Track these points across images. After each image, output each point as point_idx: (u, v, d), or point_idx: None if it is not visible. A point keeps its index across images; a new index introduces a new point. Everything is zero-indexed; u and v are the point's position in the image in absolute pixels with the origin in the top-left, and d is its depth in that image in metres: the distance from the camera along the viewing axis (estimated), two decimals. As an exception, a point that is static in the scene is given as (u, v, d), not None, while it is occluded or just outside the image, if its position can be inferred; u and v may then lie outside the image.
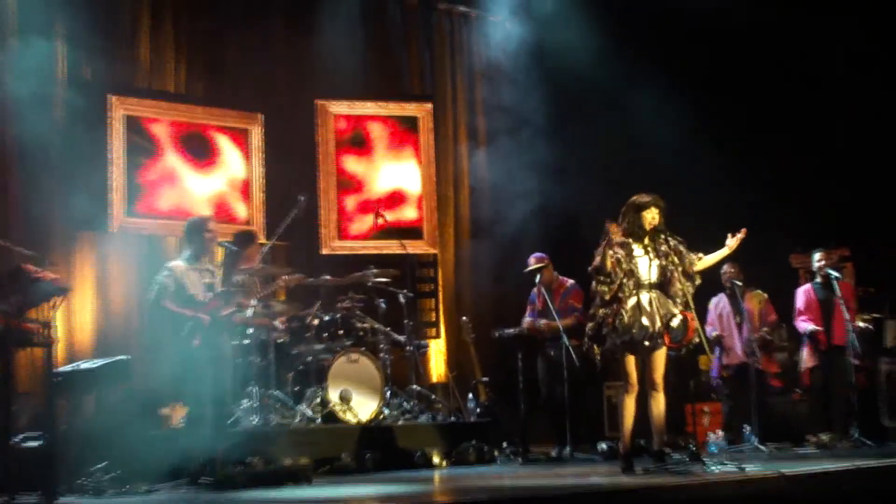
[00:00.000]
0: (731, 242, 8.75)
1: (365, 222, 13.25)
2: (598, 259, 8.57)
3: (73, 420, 9.48)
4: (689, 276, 8.65)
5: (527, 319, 11.36)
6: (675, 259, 8.58)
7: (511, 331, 11.45)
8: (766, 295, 11.68)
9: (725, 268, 11.12)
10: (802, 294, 11.58)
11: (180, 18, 12.46)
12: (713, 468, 8.36)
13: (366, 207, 13.32)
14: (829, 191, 13.04)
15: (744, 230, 8.72)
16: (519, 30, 14.55)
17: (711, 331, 10.93)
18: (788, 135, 13.29)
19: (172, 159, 12.27)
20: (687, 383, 10.06)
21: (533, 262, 11.19)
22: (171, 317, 8.83)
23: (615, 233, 8.56)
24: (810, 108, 13.37)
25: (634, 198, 8.64)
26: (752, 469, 8.39)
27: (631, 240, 8.55)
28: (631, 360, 8.55)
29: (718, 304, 11.30)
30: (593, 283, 8.66)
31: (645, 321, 8.39)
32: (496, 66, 14.76)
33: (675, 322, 8.41)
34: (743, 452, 10.34)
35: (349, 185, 13.50)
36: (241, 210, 12.64)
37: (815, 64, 13.44)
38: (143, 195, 11.99)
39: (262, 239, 12.11)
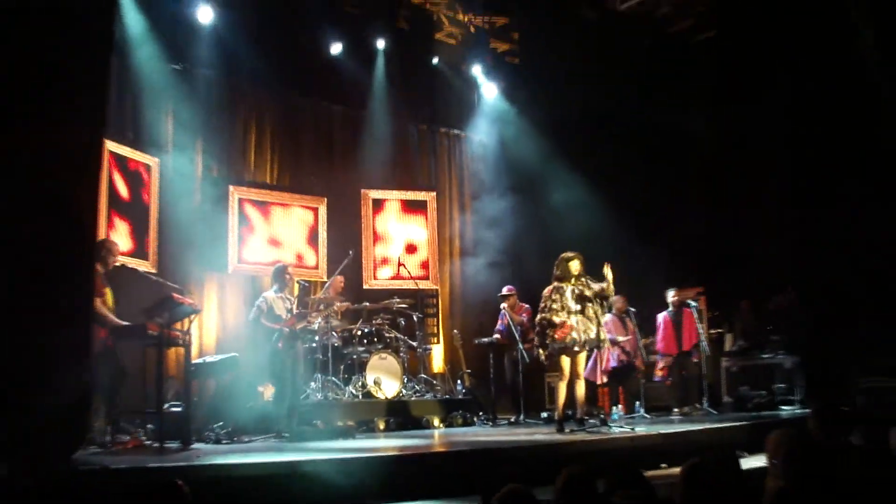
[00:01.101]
0: (607, 271, 8.76)
1: (392, 268, 13.29)
2: (544, 301, 8.88)
3: (201, 394, 9.68)
4: (604, 298, 8.91)
5: (497, 335, 11.47)
6: (591, 294, 8.80)
7: (486, 340, 11.57)
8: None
9: (618, 299, 11.13)
10: (662, 319, 11.63)
11: (275, 134, 12.55)
12: (615, 429, 8.59)
13: (392, 258, 13.31)
14: (692, 248, 13.05)
15: (608, 263, 8.81)
16: (491, 143, 14.65)
17: (612, 336, 10.87)
18: (667, 209, 13.30)
19: (268, 225, 12.36)
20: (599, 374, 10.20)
21: (505, 291, 11.36)
22: (264, 329, 9.10)
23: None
24: (679, 193, 13.44)
25: (564, 254, 8.91)
26: (640, 429, 8.68)
27: (563, 283, 8.82)
28: (564, 359, 8.78)
29: (612, 320, 11.09)
30: (541, 311, 8.91)
31: (574, 335, 8.69)
32: (476, 166, 14.80)
33: (591, 333, 8.71)
34: (634, 419, 10.42)
35: (382, 243, 13.55)
36: (311, 259, 12.69)
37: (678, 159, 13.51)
38: (249, 249, 12.10)
39: (324, 278, 12.24)
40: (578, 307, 8.76)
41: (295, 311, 9.41)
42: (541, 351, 8.92)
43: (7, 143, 5.37)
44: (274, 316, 9.21)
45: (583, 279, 8.84)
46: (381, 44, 13.02)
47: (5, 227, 5.33)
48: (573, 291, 8.80)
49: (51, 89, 5.68)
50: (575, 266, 8.82)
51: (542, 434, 8.99)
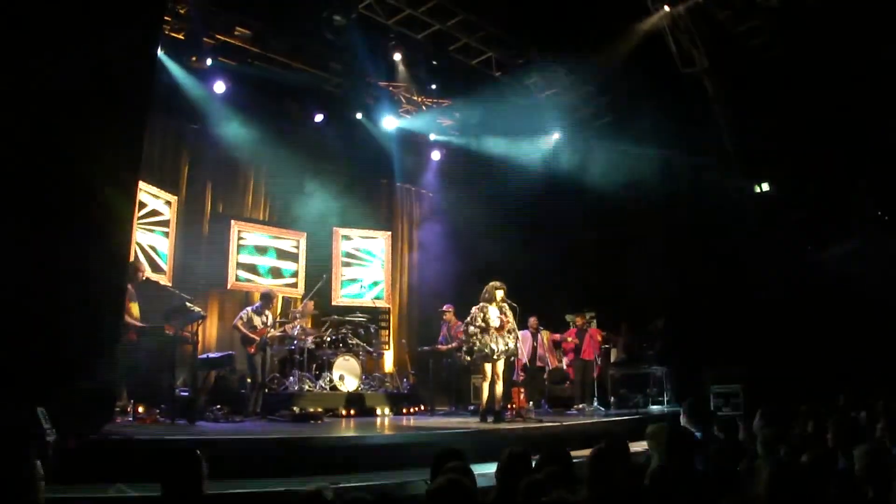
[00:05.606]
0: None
1: (355, 288, 13.30)
2: (472, 317, 8.86)
3: (204, 382, 9.40)
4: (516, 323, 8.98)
5: (439, 344, 11.48)
6: (510, 314, 8.87)
7: (427, 348, 11.57)
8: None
9: (532, 319, 11.32)
10: (568, 335, 11.95)
11: (268, 182, 12.41)
12: (527, 421, 8.72)
13: (355, 281, 13.35)
14: (587, 283, 13.15)
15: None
16: (438, 197, 14.77)
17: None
18: (569, 252, 13.32)
19: (259, 252, 12.19)
20: (513, 377, 10.26)
21: (445, 308, 11.46)
22: (242, 333, 9.57)
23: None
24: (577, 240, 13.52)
25: (492, 282, 8.90)
26: (546, 422, 8.79)
27: (487, 305, 8.82)
28: (487, 365, 8.74)
29: (526, 337, 11.17)
30: (467, 325, 8.86)
31: (494, 346, 8.72)
32: (425, 214, 14.83)
33: (510, 345, 8.78)
34: (541, 412, 10.58)
35: (349, 270, 13.48)
36: (292, 279, 12.54)
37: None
38: (243, 270, 11.94)
39: (301, 294, 12.17)
40: (499, 324, 8.73)
41: (269, 324, 9.76)
42: (466, 357, 8.91)
43: (67, 187, 5.36)
44: (251, 326, 9.56)
45: (504, 303, 8.86)
46: (355, 115, 12.93)
47: (63, 257, 5.33)
48: (495, 312, 8.79)
49: (99, 143, 5.63)
50: (499, 293, 8.83)
51: (467, 420, 9.12)
